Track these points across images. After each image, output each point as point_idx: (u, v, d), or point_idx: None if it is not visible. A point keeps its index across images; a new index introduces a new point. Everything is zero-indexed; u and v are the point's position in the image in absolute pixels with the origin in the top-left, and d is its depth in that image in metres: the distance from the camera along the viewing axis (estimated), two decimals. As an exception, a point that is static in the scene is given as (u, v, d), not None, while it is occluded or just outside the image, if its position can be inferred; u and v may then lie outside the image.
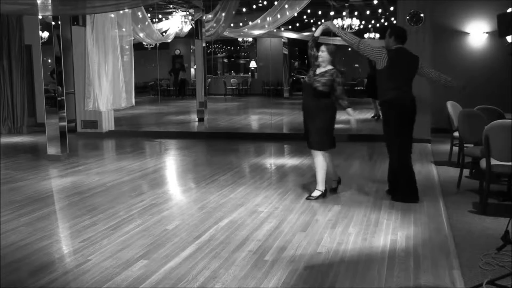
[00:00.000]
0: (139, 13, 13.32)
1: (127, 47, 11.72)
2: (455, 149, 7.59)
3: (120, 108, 11.96)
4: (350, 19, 16.75)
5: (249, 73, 24.53)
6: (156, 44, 15.69)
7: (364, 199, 5.86)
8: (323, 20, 18.18)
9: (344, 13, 16.74)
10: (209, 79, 20.76)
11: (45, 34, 9.05)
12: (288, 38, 19.99)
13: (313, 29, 19.07)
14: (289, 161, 8.31)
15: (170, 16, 15.97)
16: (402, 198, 5.67)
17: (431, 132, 9.92)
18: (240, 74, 25.31)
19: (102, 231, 4.78)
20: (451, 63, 10.91)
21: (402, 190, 5.71)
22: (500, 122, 5.22)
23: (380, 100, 5.78)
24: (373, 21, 19.28)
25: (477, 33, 10.79)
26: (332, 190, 6.08)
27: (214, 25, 14.53)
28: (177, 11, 15.61)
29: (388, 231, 4.70)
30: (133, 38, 12.24)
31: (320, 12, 16.65)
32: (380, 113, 13.14)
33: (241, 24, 16.79)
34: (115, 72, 11.34)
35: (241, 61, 26.84)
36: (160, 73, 19.09)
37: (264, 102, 19.16)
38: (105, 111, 11.53)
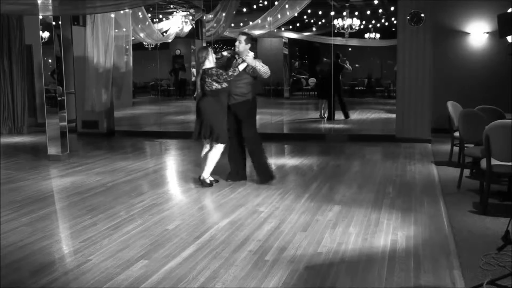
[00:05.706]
0: (140, 13, 13.32)
1: (127, 47, 11.73)
2: (456, 149, 7.59)
3: (119, 108, 11.98)
4: (350, 19, 16.75)
5: (250, 73, 24.47)
6: (156, 44, 15.68)
7: (364, 199, 5.87)
8: (323, 20, 18.24)
9: (344, 13, 16.73)
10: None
11: (46, 34, 9.05)
12: (289, 38, 19.97)
13: (313, 29, 19.10)
14: (289, 161, 8.31)
15: (170, 16, 15.95)
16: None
17: (431, 132, 9.91)
18: (241, 74, 25.22)
19: (102, 231, 4.78)
20: (452, 63, 10.91)
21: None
22: (500, 122, 5.22)
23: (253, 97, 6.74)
24: (373, 21, 19.26)
25: (477, 33, 10.78)
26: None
27: (215, 25, 14.52)
28: (177, 11, 15.59)
29: (388, 231, 4.71)
30: (133, 38, 12.24)
31: (320, 12, 16.63)
32: (325, 114, 13.28)
33: (241, 24, 16.75)
34: (114, 72, 11.34)
35: (242, 61, 26.75)
36: (160, 73, 19.07)
37: (264, 102, 19.11)
38: (105, 111, 11.53)
